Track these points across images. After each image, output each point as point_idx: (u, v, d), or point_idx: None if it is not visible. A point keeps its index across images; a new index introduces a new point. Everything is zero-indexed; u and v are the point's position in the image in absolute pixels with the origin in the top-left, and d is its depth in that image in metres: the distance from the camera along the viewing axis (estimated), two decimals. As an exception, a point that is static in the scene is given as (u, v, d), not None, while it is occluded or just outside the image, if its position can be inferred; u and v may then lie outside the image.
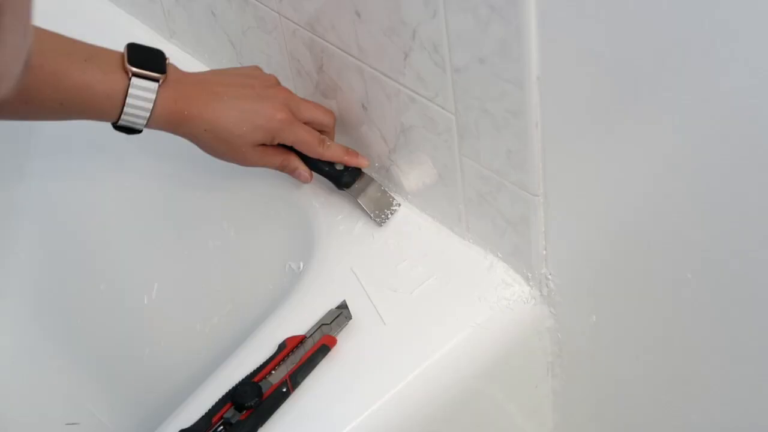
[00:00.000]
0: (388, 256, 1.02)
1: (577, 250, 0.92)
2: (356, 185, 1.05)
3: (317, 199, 1.09)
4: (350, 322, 0.97)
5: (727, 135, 0.72)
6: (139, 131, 0.98)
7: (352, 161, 1.05)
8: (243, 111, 0.99)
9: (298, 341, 0.94)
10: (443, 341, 0.94)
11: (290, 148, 1.04)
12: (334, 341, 0.95)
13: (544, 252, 0.95)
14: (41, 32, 0.90)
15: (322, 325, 0.96)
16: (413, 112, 0.96)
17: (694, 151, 0.76)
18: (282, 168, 1.04)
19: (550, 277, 0.96)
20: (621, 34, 0.74)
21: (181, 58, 1.32)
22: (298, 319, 0.97)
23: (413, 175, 1.04)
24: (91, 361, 1.40)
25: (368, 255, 1.02)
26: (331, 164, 1.05)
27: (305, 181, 1.06)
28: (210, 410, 0.90)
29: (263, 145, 1.01)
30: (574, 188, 0.87)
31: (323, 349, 0.94)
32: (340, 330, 0.96)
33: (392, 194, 1.07)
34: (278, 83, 1.06)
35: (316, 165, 1.05)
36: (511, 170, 0.90)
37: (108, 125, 0.99)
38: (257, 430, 0.89)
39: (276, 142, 1.02)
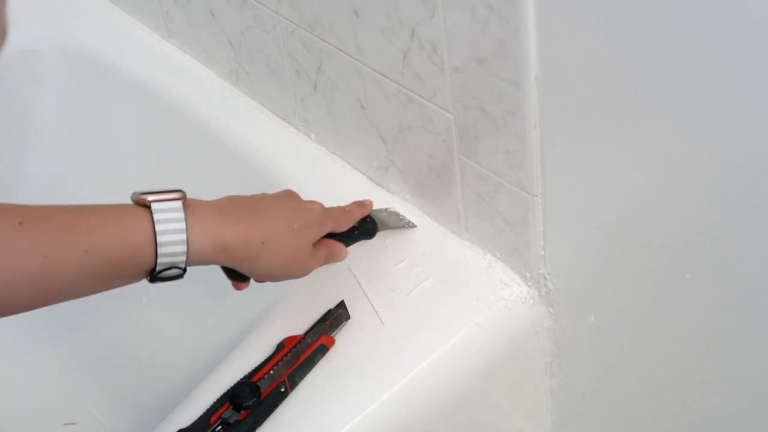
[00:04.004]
0: (387, 256, 1.02)
1: (575, 250, 0.92)
2: (378, 224, 1.03)
3: (315, 199, 1.08)
4: (348, 322, 0.97)
5: (727, 135, 0.72)
6: (180, 273, 0.83)
7: (367, 209, 1.02)
8: (287, 211, 0.91)
9: (297, 341, 0.94)
10: (441, 341, 0.94)
11: None
12: (332, 341, 0.95)
13: (543, 252, 0.95)
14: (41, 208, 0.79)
15: (321, 324, 0.96)
16: (412, 112, 0.96)
17: (693, 151, 0.76)
18: (328, 259, 0.96)
19: (548, 277, 0.96)
20: (620, 34, 0.74)
21: (179, 58, 1.32)
22: (296, 319, 0.97)
23: (411, 175, 1.04)
24: (90, 361, 1.40)
25: (366, 255, 1.02)
26: (352, 229, 1.01)
27: (345, 257, 0.99)
28: (208, 410, 0.90)
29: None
30: (573, 188, 0.87)
31: (321, 349, 0.94)
32: (339, 330, 0.96)
33: (391, 208, 1.07)
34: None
35: (349, 239, 1.00)
36: (509, 170, 0.90)
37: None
38: (255, 430, 0.89)
39: (323, 234, 0.95)
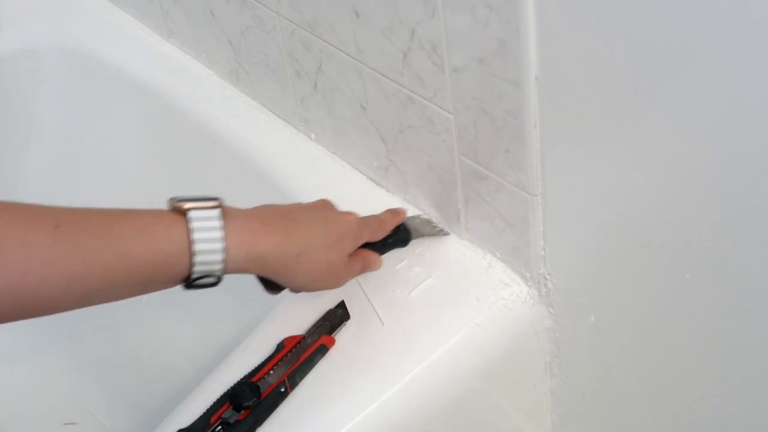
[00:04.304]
0: (387, 255, 1.02)
1: (575, 250, 0.92)
2: (412, 231, 1.03)
3: (315, 199, 1.09)
4: (348, 322, 0.97)
5: (727, 135, 0.72)
6: (215, 281, 0.82)
7: (401, 217, 1.01)
8: (323, 222, 0.90)
9: (297, 341, 0.94)
10: (441, 341, 0.94)
11: None
12: (332, 341, 0.95)
13: (543, 252, 0.95)
14: (75, 209, 0.78)
15: (321, 324, 0.96)
16: (412, 112, 0.96)
17: (693, 151, 0.76)
18: (363, 269, 0.96)
19: (548, 277, 0.96)
20: (620, 34, 0.74)
21: (179, 58, 1.32)
22: (296, 319, 0.97)
23: (412, 175, 1.04)
24: (90, 361, 1.40)
25: (367, 255, 1.03)
26: (385, 238, 1.00)
27: (380, 267, 0.98)
28: (208, 410, 0.90)
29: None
30: (573, 188, 0.87)
31: (321, 349, 0.94)
32: (339, 330, 0.96)
33: (424, 215, 1.06)
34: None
35: (383, 248, 1.00)
36: (509, 170, 0.90)
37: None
38: (255, 430, 0.89)
39: (359, 245, 0.94)
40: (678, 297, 0.86)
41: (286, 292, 0.91)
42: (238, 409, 0.89)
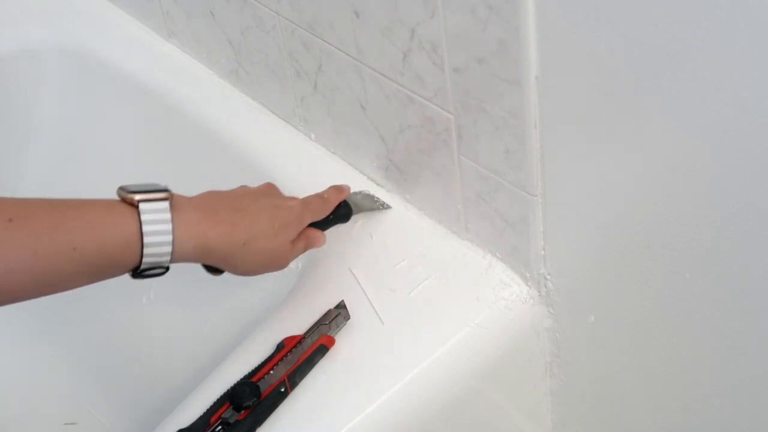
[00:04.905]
0: (387, 256, 1.02)
1: (575, 250, 0.92)
2: (353, 207, 1.05)
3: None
4: (348, 322, 0.97)
5: (727, 135, 0.72)
6: (163, 271, 0.85)
7: (345, 193, 1.03)
8: (268, 211, 0.92)
9: (297, 341, 0.94)
10: (441, 341, 0.94)
11: None
12: (332, 341, 0.95)
13: (543, 252, 0.95)
14: (26, 200, 0.80)
15: (321, 325, 0.96)
16: (412, 112, 0.96)
17: (693, 151, 0.76)
18: (307, 248, 0.97)
19: (548, 277, 0.96)
20: (620, 34, 0.74)
21: (179, 58, 1.32)
22: (296, 319, 0.97)
23: (411, 175, 1.04)
24: (90, 361, 1.40)
25: (366, 255, 1.03)
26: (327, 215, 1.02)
27: (324, 243, 1.00)
28: (208, 410, 0.90)
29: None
30: (573, 188, 0.87)
31: (321, 349, 0.94)
32: (339, 330, 0.96)
33: (366, 191, 1.08)
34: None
35: (324, 225, 1.01)
36: (509, 170, 0.90)
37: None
38: (255, 430, 0.89)
39: (302, 229, 0.96)
40: (678, 297, 0.86)
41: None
42: (238, 409, 0.89)
